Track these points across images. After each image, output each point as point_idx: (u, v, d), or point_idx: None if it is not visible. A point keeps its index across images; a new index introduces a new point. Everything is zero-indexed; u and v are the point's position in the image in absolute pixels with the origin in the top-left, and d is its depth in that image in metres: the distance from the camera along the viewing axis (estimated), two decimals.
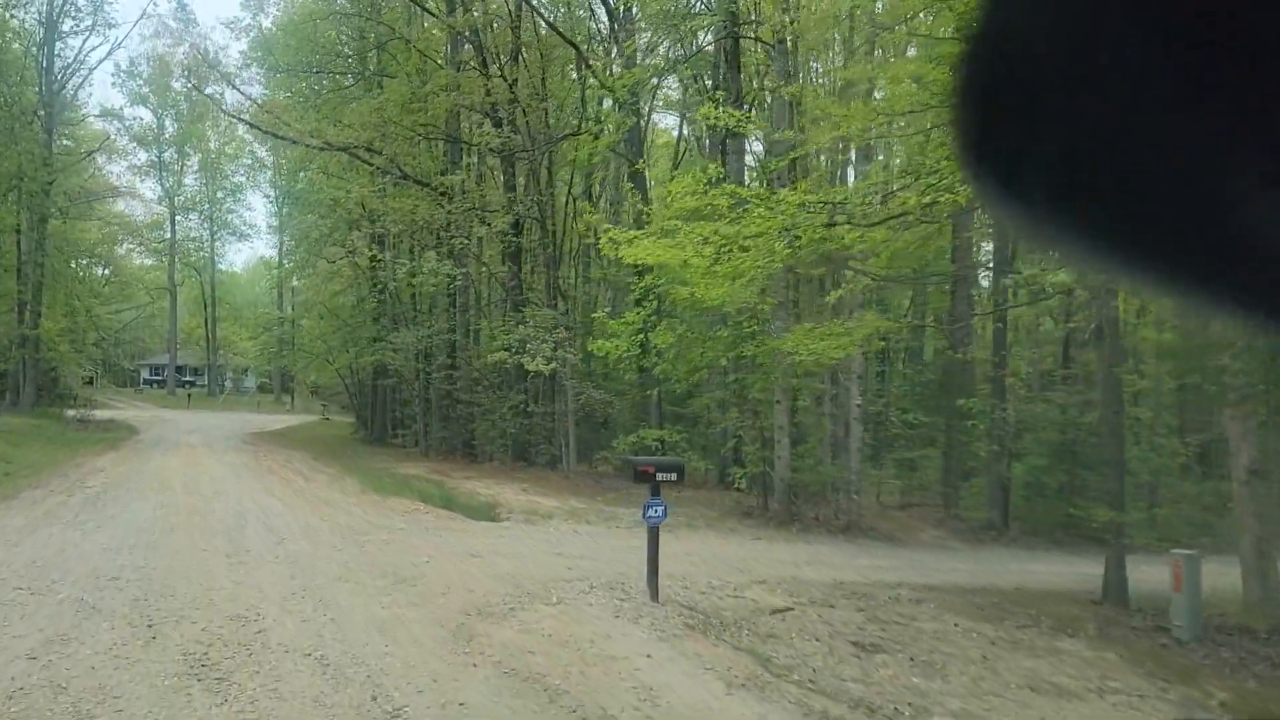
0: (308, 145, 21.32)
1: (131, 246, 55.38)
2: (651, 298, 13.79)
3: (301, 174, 27.99)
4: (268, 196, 68.90)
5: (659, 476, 6.53)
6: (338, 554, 8.08)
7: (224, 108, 21.52)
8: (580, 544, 10.19)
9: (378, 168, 20.49)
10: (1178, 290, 0.46)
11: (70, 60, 33.84)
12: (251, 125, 20.75)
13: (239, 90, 21.34)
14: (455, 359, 25.46)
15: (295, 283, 58.81)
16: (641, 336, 13.68)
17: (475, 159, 25.51)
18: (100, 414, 34.07)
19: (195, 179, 61.91)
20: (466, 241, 18.76)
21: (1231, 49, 0.37)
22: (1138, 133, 0.41)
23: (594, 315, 15.73)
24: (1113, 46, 0.39)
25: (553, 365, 16.78)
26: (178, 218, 60.33)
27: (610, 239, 10.85)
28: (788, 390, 14.36)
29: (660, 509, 6.60)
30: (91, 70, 34.80)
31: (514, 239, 21.05)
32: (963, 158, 0.48)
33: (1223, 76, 0.38)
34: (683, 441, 19.41)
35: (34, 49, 32.23)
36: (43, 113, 32.25)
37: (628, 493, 18.59)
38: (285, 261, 51.49)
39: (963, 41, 0.46)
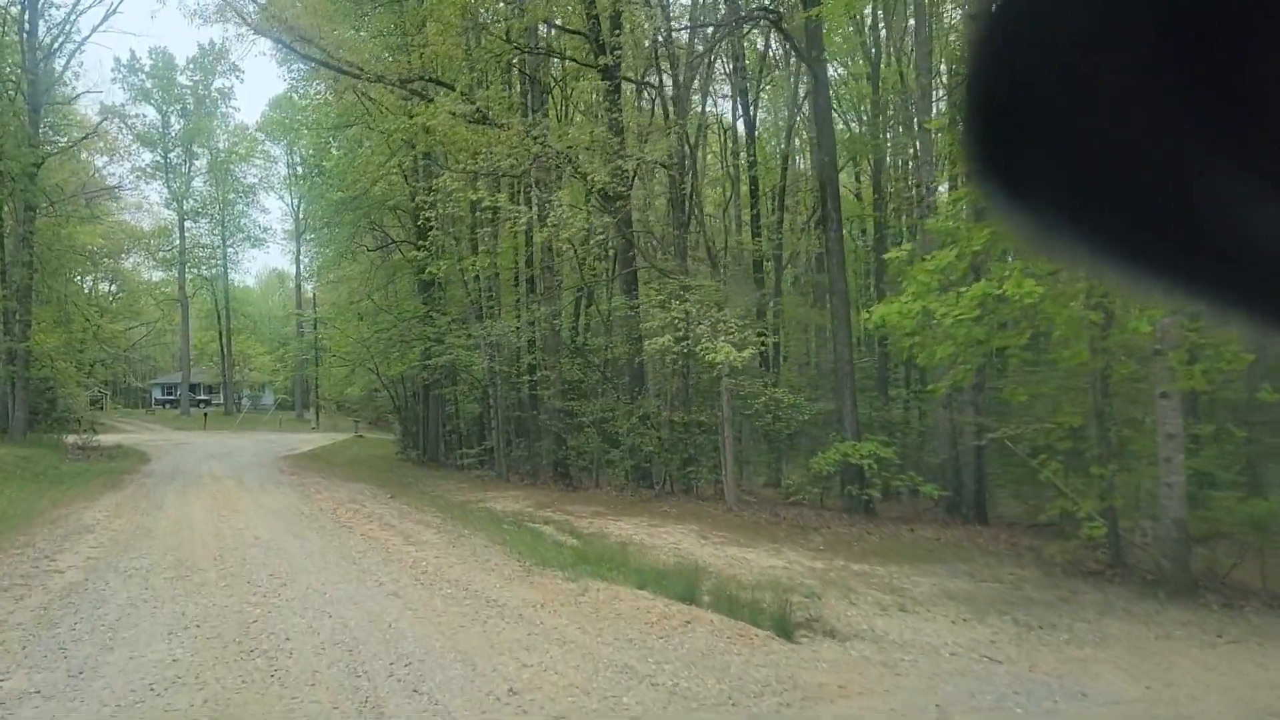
0: (357, 77, 15.98)
1: (139, 259, 50.27)
2: None
3: (347, 129, 22.61)
4: (282, 199, 64.02)
5: None
6: None
7: (251, 21, 15.94)
8: None
9: (450, 112, 15.05)
10: (1182, 293, 0.45)
11: (59, 22, 28.61)
12: (289, 48, 15.56)
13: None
14: (539, 358, 20.07)
15: (310, 291, 53.82)
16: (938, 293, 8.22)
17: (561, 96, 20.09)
18: (106, 439, 29.25)
19: (204, 181, 56.73)
20: (607, 181, 13.25)
21: (1232, 55, 0.37)
22: (1140, 137, 0.40)
23: (889, 255, 10.22)
24: (1115, 53, 0.40)
25: (749, 352, 11.38)
26: (187, 223, 55.17)
27: None
28: (1169, 377, 8.85)
29: None
30: (85, 39, 29.86)
31: (625, 191, 15.52)
32: (970, 162, 0.47)
33: (1224, 81, 0.38)
34: (894, 456, 13.93)
35: (13, 8, 27.08)
36: (26, 85, 27.11)
37: (837, 534, 13.13)
38: (305, 253, 46.16)
39: (970, 47, 0.45)
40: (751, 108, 20.86)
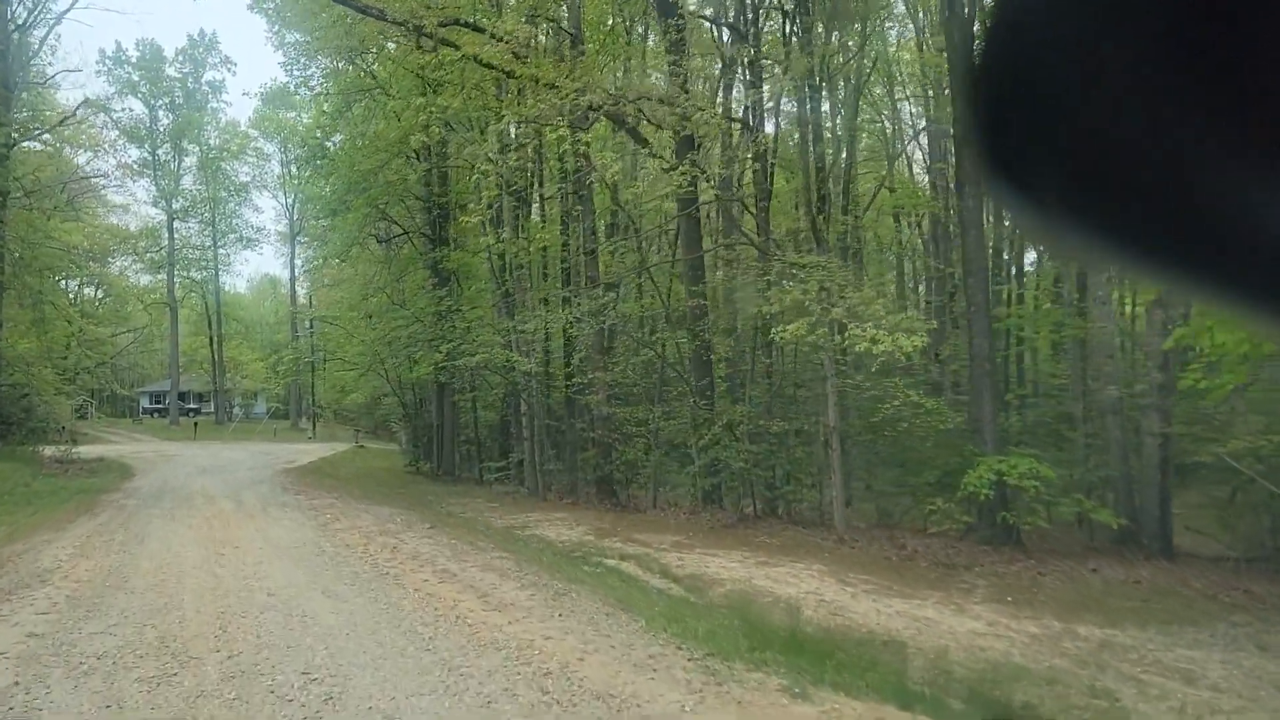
0: (380, 18, 13.33)
1: (126, 263, 47.27)
2: None
3: (357, 103, 19.88)
4: (276, 198, 60.98)
5: None
6: None
7: None
8: None
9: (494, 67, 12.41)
10: (1187, 285, 0.46)
11: None
12: None
13: None
14: (585, 357, 17.40)
15: (305, 294, 50.82)
16: None
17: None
18: (89, 450, 26.55)
19: (194, 179, 53.72)
20: (711, 124, 10.60)
21: (1234, 47, 0.38)
22: (1146, 131, 0.41)
23: None
24: (1120, 46, 0.40)
25: (918, 340, 8.76)
26: (176, 224, 52.13)
27: None
28: None
29: None
30: (64, 12, 27.11)
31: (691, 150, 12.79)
32: (977, 156, 0.47)
33: (1227, 75, 0.38)
34: (1053, 475, 11.25)
35: None
36: None
37: (1000, 576, 10.40)
38: (301, 254, 43.00)
39: (976, 41, 0.48)
40: (820, 78, 18.12)
